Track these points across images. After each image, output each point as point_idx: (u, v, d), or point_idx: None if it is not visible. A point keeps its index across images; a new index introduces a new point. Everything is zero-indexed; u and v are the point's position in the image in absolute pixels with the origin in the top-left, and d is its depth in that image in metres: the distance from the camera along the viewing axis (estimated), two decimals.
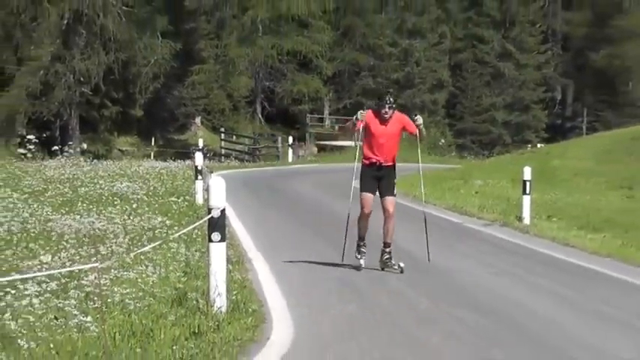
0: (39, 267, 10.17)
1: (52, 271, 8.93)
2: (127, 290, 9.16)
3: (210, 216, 8.61)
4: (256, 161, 46.48)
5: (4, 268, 10.17)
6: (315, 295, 10.20)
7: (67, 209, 16.04)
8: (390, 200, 11.90)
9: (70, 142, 38.96)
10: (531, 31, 66.04)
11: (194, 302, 8.70)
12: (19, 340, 7.21)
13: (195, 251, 11.99)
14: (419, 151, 12.69)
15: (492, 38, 64.75)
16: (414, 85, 60.95)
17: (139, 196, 18.96)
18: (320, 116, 58.67)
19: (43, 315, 8.04)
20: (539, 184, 26.49)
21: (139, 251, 10.31)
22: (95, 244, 11.53)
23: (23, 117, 41.82)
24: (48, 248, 11.55)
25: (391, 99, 11.81)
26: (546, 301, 10.49)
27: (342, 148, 52.75)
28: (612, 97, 65.22)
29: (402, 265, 11.95)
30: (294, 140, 46.45)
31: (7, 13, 42.02)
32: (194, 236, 13.23)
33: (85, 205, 16.77)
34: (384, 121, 11.78)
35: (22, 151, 30.23)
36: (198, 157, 20.12)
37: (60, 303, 8.46)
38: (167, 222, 14.86)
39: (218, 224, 8.62)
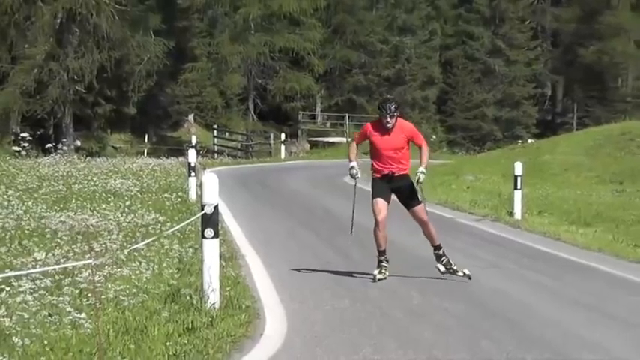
0: (33, 264, 10.13)
1: (46, 268, 8.90)
2: (121, 287, 9.13)
3: (203, 212, 8.59)
4: (249, 158, 46.46)
5: None
6: (307, 291, 10.18)
7: (61, 206, 16.00)
8: (419, 210, 11.08)
9: (64, 140, 38.91)
10: (521, 27, 66.06)
11: (187, 298, 8.68)
12: (13, 337, 7.17)
13: (189, 247, 11.97)
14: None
15: (482, 35, 64.80)
16: (405, 82, 60.96)
17: (132, 193, 18.94)
18: (312, 113, 58.64)
19: (37, 312, 8.01)
20: (530, 179, 26.53)
21: (133, 248, 10.28)
22: (89, 241, 11.50)
23: (17, 115, 41.72)
24: (42, 245, 11.51)
25: (392, 106, 10.77)
26: (536, 294, 10.49)
27: (333, 144, 52.82)
28: (602, 93, 65.34)
29: (466, 272, 11.16)
30: (286, 137, 46.45)
31: (2, 12, 41.89)
32: (187, 233, 13.21)
33: (79, 202, 16.73)
34: (387, 132, 10.82)
35: (16, 148, 30.15)
36: (192, 154, 20.08)
37: (54, 300, 8.43)
38: (160, 219, 14.83)
39: (211, 220, 8.60)
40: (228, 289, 9.32)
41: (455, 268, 11.16)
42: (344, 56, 57.57)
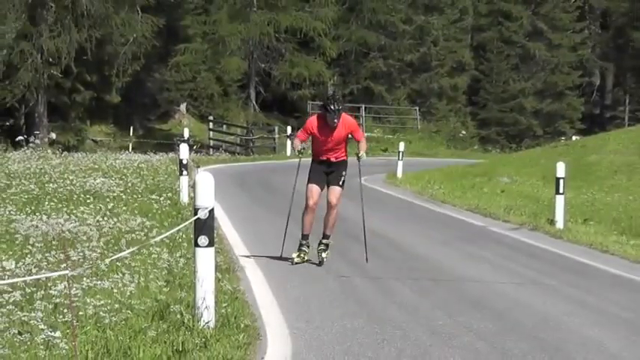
0: (1, 274, 10.18)
1: (15, 280, 8.94)
2: (102, 302, 9.17)
3: (196, 217, 8.62)
4: (249, 154, 46.53)
5: None
6: (315, 308, 10.21)
7: (32, 208, 16.06)
8: (335, 190, 12.90)
9: (37, 132, 39.04)
10: (565, 6, 66.02)
11: (178, 316, 8.72)
12: None
13: (180, 257, 12.01)
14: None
15: (521, 15, 64.75)
16: (431, 68, 60.96)
17: (115, 194, 18.99)
18: (323, 103, 58.64)
19: (5, 329, 8.05)
20: (575, 182, 26.53)
21: (115, 257, 10.31)
22: (65, 249, 11.54)
23: None
24: (11, 253, 11.56)
25: (337, 105, 12.58)
26: (579, 314, 10.51)
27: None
28: None
29: (324, 256, 12.90)
30: (292, 130, 46.45)
31: None
32: (178, 240, 13.25)
33: (53, 203, 16.79)
34: (331, 129, 12.65)
35: None
36: (183, 150, 20.12)
37: (24, 316, 8.47)
38: (147, 223, 14.88)
39: (206, 226, 8.63)
40: (224, 305, 9.36)
41: (323, 256, 12.93)
42: (360, 38, 57.56)
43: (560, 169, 19.07)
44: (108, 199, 17.88)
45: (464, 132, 59.76)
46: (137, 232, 13.85)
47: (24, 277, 9.72)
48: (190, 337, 8.17)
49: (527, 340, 9.15)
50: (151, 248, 12.18)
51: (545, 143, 49.86)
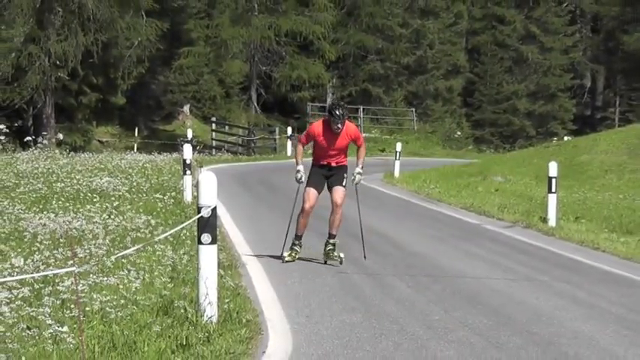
0: (10, 271, 10.18)
1: (24, 276, 8.94)
2: (108, 297, 9.16)
3: (199, 215, 8.62)
4: (251, 154, 46.50)
5: None
6: (315, 304, 10.22)
7: (40, 207, 16.05)
8: (338, 190, 12.87)
9: (45, 133, 38.95)
10: (557, 10, 66.04)
11: (181, 311, 8.71)
12: None
13: (183, 254, 12.00)
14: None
15: (514, 19, 64.77)
16: (427, 71, 60.97)
17: (120, 193, 18.98)
18: (322, 105, 58.56)
19: (14, 324, 8.05)
20: (567, 181, 26.53)
21: (121, 254, 10.31)
22: (72, 246, 11.54)
23: None
24: (20, 250, 11.55)
25: (342, 112, 12.57)
26: (571, 309, 10.50)
27: None
28: None
29: (342, 255, 12.85)
30: (293, 131, 46.42)
31: None
32: (182, 238, 13.25)
33: (60, 202, 16.78)
34: (335, 135, 12.65)
35: None
36: (187, 150, 20.12)
37: (33, 311, 8.47)
38: (152, 222, 14.86)
39: (208, 224, 8.63)
40: (227, 301, 9.36)
41: (335, 254, 12.88)
42: (358, 41, 57.53)
43: (553, 169, 19.07)
44: (113, 198, 17.88)
45: (459, 133, 59.73)
46: (142, 230, 13.84)
47: (32, 273, 9.71)
48: (194, 331, 8.17)
49: (521, 334, 9.16)
50: (155, 246, 12.18)
51: (537, 143, 49.85)
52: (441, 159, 45.16)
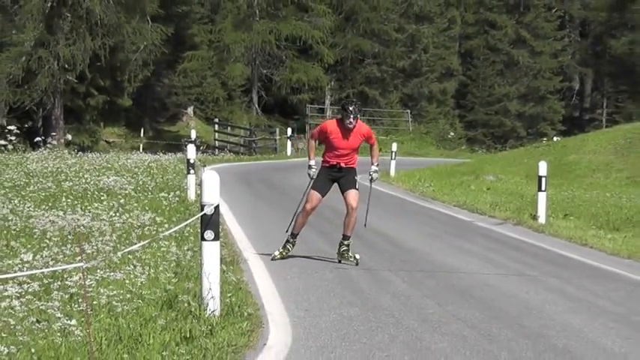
0: (20, 266, 10.17)
1: (34, 271, 8.94)
2: (114, 292, 9.17)
3: (202, 213, 8.62)
4: (252, 154, 46.50)
5: None
6: (314, 298, 10.22)
7: (50, 205, 16.04)
8: (353, 194, 12.52)
9: (54, 133, 38.94)
10: (547, 16, 66.06)
11: (185, 305, 8.71)
12: None
13: (187, 250, 12.01)
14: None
15: (505, 24, 64.79)
16: (422, 74, 60.99)
17: (127, 191, 18.98)
18: (321, 106, 58.66)
19: (24, 318, 8.05)
20: (556, 179, 26.54)
21: (127, 250, 10.31)
22: (80, 243, 11.54)
23: (4, 106, 41.75)
24: (30, 246, 11.55)
25: (355, 109, 12.29)
26: (560, 303, 10.50)
27: None
28: (634, 87, 65.20)
29: (357, 257, 12.63)
30: (292, 132, 46.44)
31: None
32: (186, 234, 13.25)
33: (69, 200, 16.77)
34: (347, 132, 12.31)
35: (2, 142, 30.19)
36: (191, 150, 20.11)
37: (42, 305, 8.47)
38: (157, 219, 14.87)
39: (211, 222, 8.63)
40: (229, 295, 9.36)
41: (349, 255, 12.66)
42: (356, 45, 57.55)
43: (542, 168, 19.08)
44: (120, 196, 17.87)
45: (452, 133, 59.73)
46: (147, 227, 13.85)
47: (42, 269, 9.72)
48: (197, 324, 8.17)
49: (512, 327, 9.16)
50: (160, 242, 12.18)
51: (528, 144, 49.85)
52: (435, 159, 45.17)
